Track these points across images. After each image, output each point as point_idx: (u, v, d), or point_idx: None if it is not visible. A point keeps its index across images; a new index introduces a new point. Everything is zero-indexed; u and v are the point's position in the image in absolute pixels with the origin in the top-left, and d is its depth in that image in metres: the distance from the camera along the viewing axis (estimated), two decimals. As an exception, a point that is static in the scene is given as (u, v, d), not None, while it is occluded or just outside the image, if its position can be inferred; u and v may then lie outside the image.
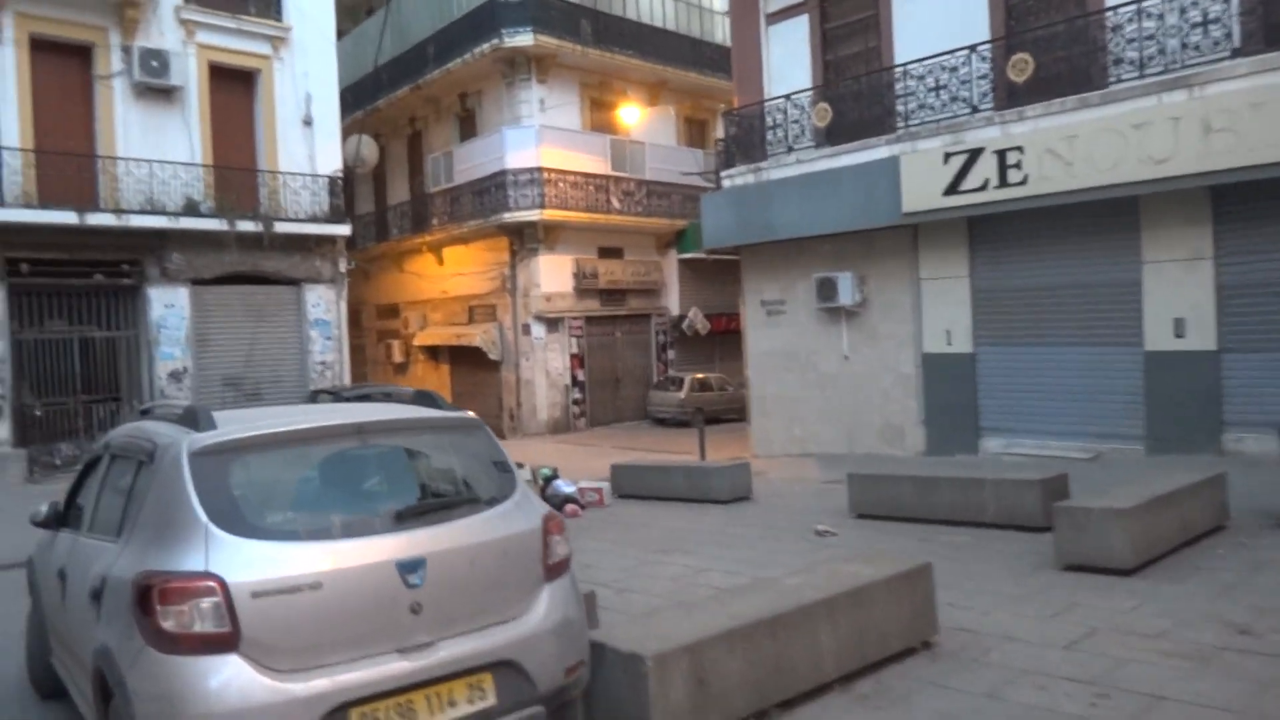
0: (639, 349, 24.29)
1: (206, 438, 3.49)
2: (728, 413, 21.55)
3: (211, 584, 3.07)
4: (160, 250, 16.65)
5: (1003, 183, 12.15)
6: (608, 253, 23.29)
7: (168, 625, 3.07)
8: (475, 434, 4.05)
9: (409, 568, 3.32)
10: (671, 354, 24.66)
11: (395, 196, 26.52)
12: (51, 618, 4.80)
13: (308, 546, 3.26)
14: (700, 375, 22.89)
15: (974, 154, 12.44)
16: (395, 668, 3.23)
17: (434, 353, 25.34)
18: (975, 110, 12.90)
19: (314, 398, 16.57)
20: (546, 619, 3.64)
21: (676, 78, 24.22)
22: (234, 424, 3.69)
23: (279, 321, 18.25)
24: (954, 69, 13.15)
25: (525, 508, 3.83)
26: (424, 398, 4.33)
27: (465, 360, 23.96)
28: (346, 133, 20.34)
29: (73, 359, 16.15)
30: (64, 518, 5.07)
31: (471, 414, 4.18)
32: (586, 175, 22.16)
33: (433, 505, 3.67)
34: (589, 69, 22.76)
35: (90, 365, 16.43)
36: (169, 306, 16.78)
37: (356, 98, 24.88)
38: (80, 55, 16.38)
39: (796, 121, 15.22)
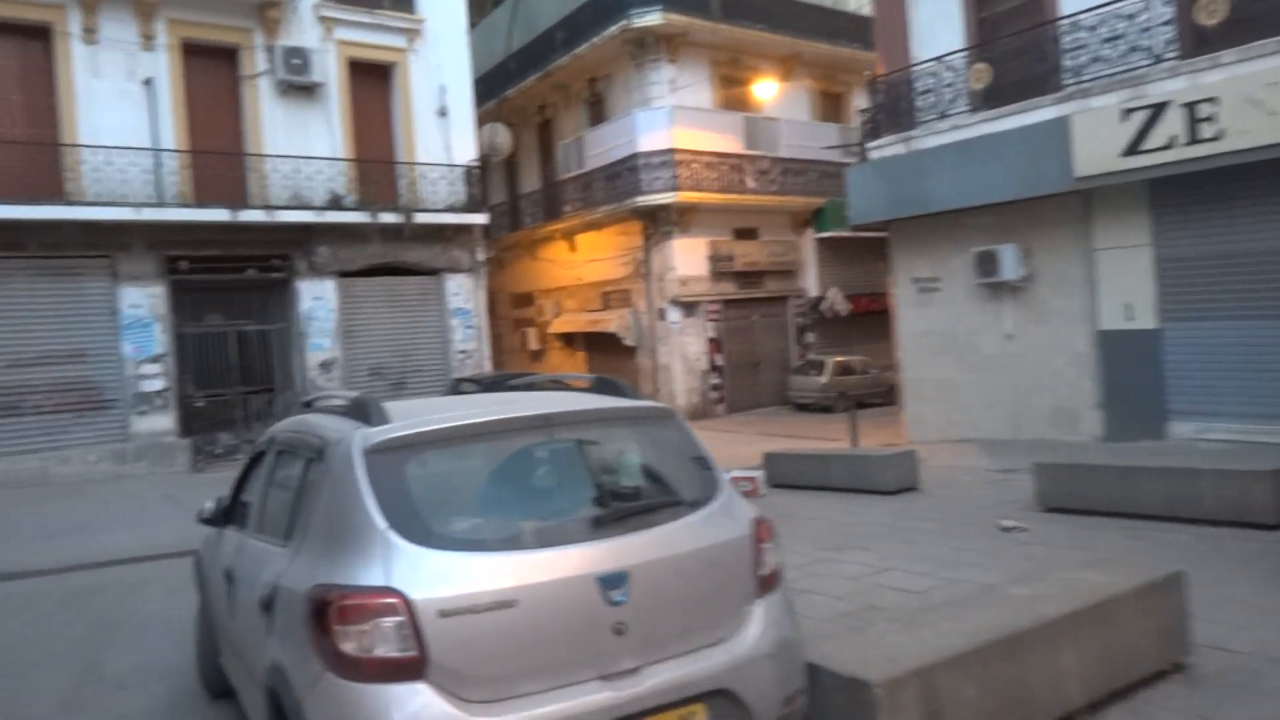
0: (777, 332, 23.56)
1: (380, 433, 3.14)
2: (872, 397, 20.63)
3: (394, 600, 2.73)
4: (307, 244, 17.00)
5: (1192, 139, 10.93)
6: (743, 234, 22.63)
7: (348, 648, 2.74)
8: (669, 425, 3.60)
9: (611, 582, 2.90)
10: (810, 337, 23.82)
11: (527, 185, 26.56)
12: (220, 619, 4.63)
13: (498, 558, 2.89)
14: (842, 358, 22.00)
15: (1158, 109, 11.24)
16: (600, 698, 2.83)
17: (569, 339, 25.28)
18: (1158, 60, 11.68)
19: (457, 386, 16.67)
20: (761, 640, 3.17)
21: (810, 50, 23.29)
22: (407, 417, 3.33)
23: (421, 311, 18.42)
24: (1131, 16, 11.95)
25: (732, 510, 3.36)
26: (606, 385, 3.89)
27: (600, 346, 23.77)
28: (479, 123, 20.35)
29: (229, 351, 16.69)
30: (229, 514, 4.90)
31: (663, 403, 3.72)
32: (720, 155, 21.54)
33: (634, 509, 3.22)
34: (719, 45, 22.12)
35: (246, 357, 16.95)
36: (317, 299, 17.14)
37: (487, 89, 24.96)
38: (227, 57, 16.86)
39: (950, 85, 14.23)
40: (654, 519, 3.17)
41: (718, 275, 22.08)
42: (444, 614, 2.71)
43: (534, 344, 26.29)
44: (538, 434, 3.29)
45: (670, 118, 21.04)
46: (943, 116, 14.22)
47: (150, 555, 9.66)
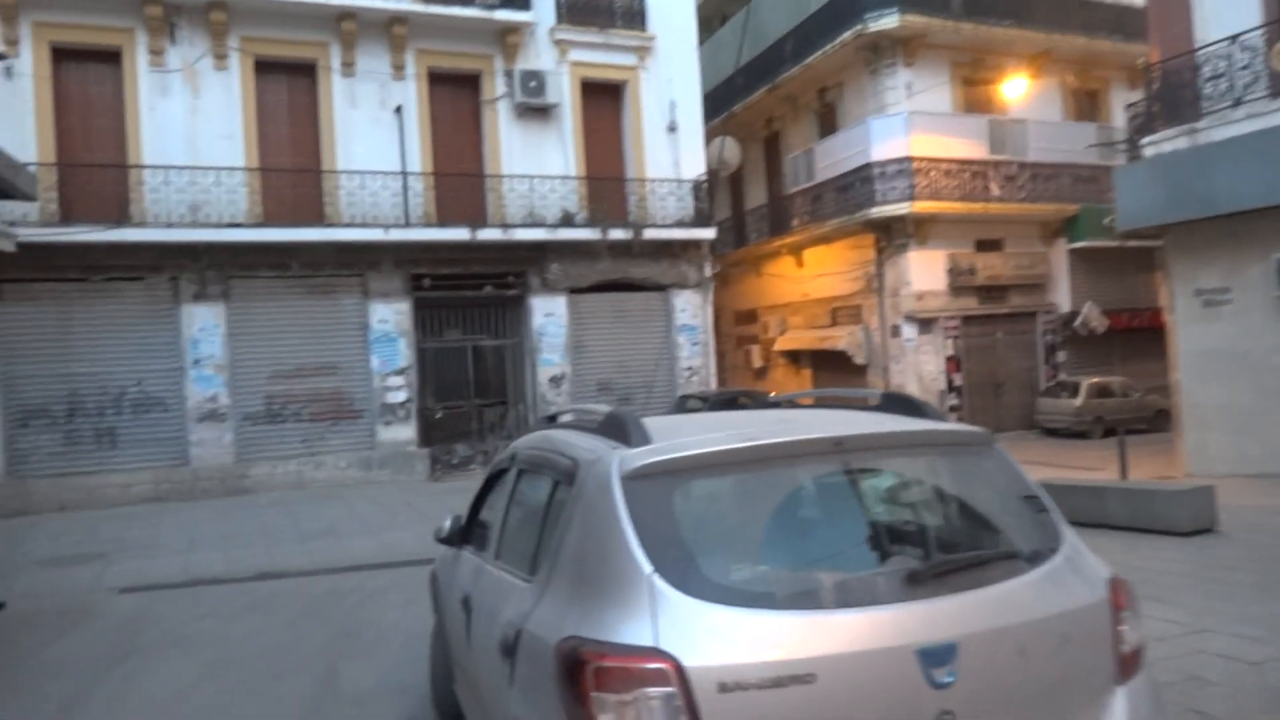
0: (1023, 350, 21.70)
1: (642, 455, 2.63)
2: (1134, 423, 18.46)
3: (663, 666, 2.21)
4: (540, 261, 17.32)
5: None
6: (986, 245, 21.03)
7: None
8: (989, 454, 2.88)
9: (936, 657, 2.26)
10: (1061, 356, 21.77)
11: (752, 200, 26.08)
12: (455, 648, 4.34)
13: (790, 619, 2.30)
14: (1098, 379, 19.93)
15: None
16: (920, 817, 2.18)
17: (794, 357, 24.49)
18: None
19: (683, 403, 16.35)
20: (1129, 747, 2.41)
21: (1061, 44, 21.37)
22: (670, 436, 2.81)
23: (647, 327, 18.33)
24: None
25: (1080, 566, 2.62)
26: (899, 402, 3.20)
27: (828, 365, 22.82)
28: (707, 139, 20.10)
29: (466, 365, 17.25)
30: (466, 534, 4.63)
31: (980, 428, 2.99)
32: (960, 162, 20.12)
33: (959, 563, 2.55)
34: (960, 46, 20.73)
35: (481, 371, 17.48)
36: (549, 315, 17.40)
37: (713, 107, 24.72)
38: (469, 83, 17.52)
39: (1245, 68, 12.40)
40: (985, 576, 2.48)
41: (957, 289, 20.61)
42: (724, 688, 2.17)
43: (757, 361, 25.68)
44: (829, 462, 2.68)
45: (907, 124, 19.90)
46: (1236, 104, 12.42)
47: (391, 563, 9.87)
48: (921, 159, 19.65)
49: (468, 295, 17.12)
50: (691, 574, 2.34)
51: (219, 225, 15.13)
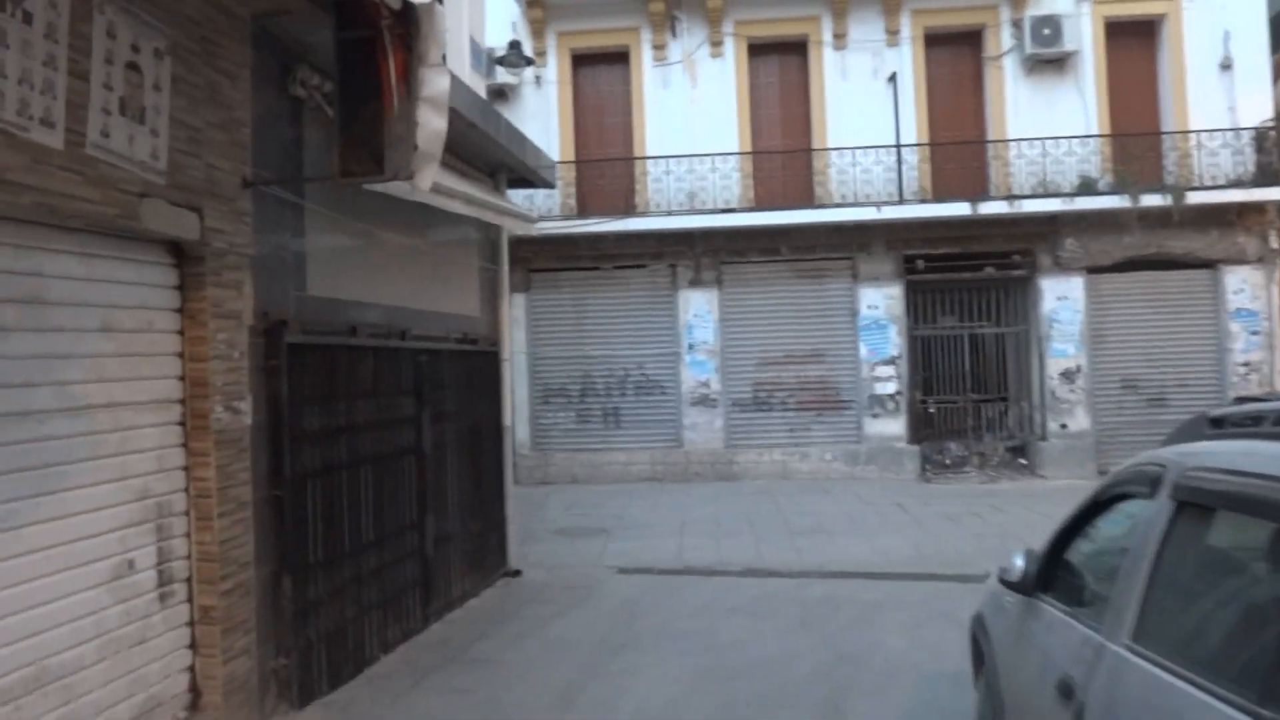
0: None
1: None
2: None
3: None
4: (1052, 237, 15.10)
5: None
6: None
7: None
8: None
9: None
10: None
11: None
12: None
13: None
14: None
15: None
16: None
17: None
18: None
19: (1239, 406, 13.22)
20: None
21: None
22: None
23: (1188, 313, 15.16)
24: None
25: None
26: None
27: None
28: (1275, 75, 16.14)
29: (962, 356, 15.62)
30: (1047, 578, 3.36)
31: None
32: None
33: None
34: None
35: (979, 362, 15.73)
36: (1061, 299, 15.11)
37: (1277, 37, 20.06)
38: (969, 41, 15.81)
39: None
40: None
41: None
42: None
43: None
44: None
45: None
46: None
47: (887, 573, 8.86)
48: None
49: (965, 278, 15.46)
50: None
51: (713, 211, 15.22)
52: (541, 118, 15.83)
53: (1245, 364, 14.96)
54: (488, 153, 8.21)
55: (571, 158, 15.88)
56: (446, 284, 8.00)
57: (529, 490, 14.63)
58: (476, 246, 8.69)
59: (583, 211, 15.68)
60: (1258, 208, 14.85)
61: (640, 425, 15.69)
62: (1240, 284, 14.99)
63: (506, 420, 8.88)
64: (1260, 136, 14.95)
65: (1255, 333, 14.99)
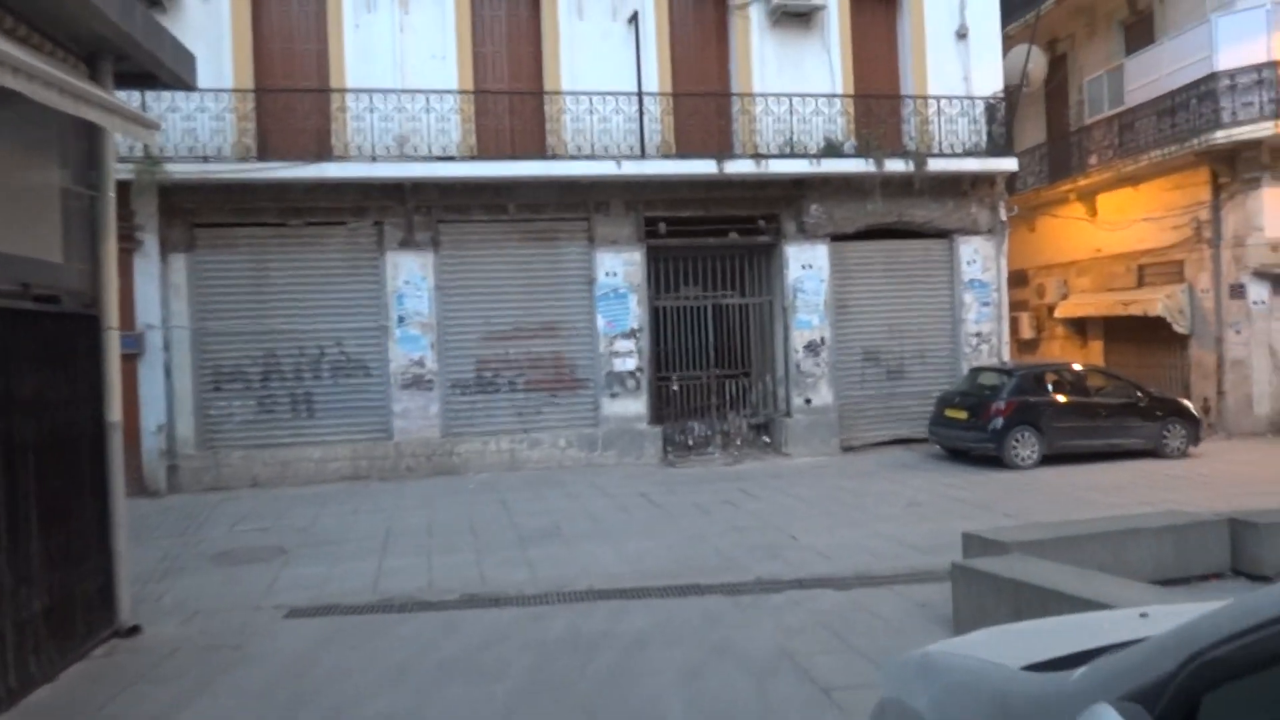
0: None
1: None
2: None
3: None
4: (798, 201, 14.15)
5: None
6: (1374, 179, 16.06)
7: None
8: None
9: None
10: None
11: (1024, 141, 21.78)
12: None
13: None
14: None
15: None
16: None
17: (1079, 326, 20.16)
18: None
19: (975, 378, 12.82)
20: None
21: None
22: None
23: (926, 283, 14.82)
24: None
25: None
26: None
27: (1126, 335, 18.45)
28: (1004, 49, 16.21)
29: (706, 328, 14.34)
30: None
31: None
32: (1351, 67, 15.30)
33: None
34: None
35: (722, 335, 14.52)
36: (806, 267, 14.22)
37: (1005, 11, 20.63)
38: (714, -13, 14.53)
39: None
40: None
41: (1335, 238, 15.84)
42: None
43: (1026, 332, 21.43)
44: None
45: (1269, 19, 15.28)
46: None
47: (641, 589, 7.14)
48: (1295, 64, 15.01)
49: (710, 244, 14.18)
50: None
51: (428, 159, 12.85)
52: (211, 36, 12.65)
53: (977, 334, 14.84)
54: (73, 16, 5.48)
55: (249, 85, 12.85)
56: (-9, 210, 5.20)
57: (191, 500, 11.69)
58: (56, 158, 5.87)
59: (264, 154, 12.74)
60: (989, 179, 14.74)
61: (339, 414, 13.05)
62: (973, 254, 14.84)
63: (113, 415, 6.14)
64: (991, 107, 14.83)
65: (986, 304, 14.91)
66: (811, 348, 14.24)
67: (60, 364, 5.65)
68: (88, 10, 5.42)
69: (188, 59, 6.84)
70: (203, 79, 12.17)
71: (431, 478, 12.80)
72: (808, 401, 14.15)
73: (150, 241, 12.31)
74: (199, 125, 12.25)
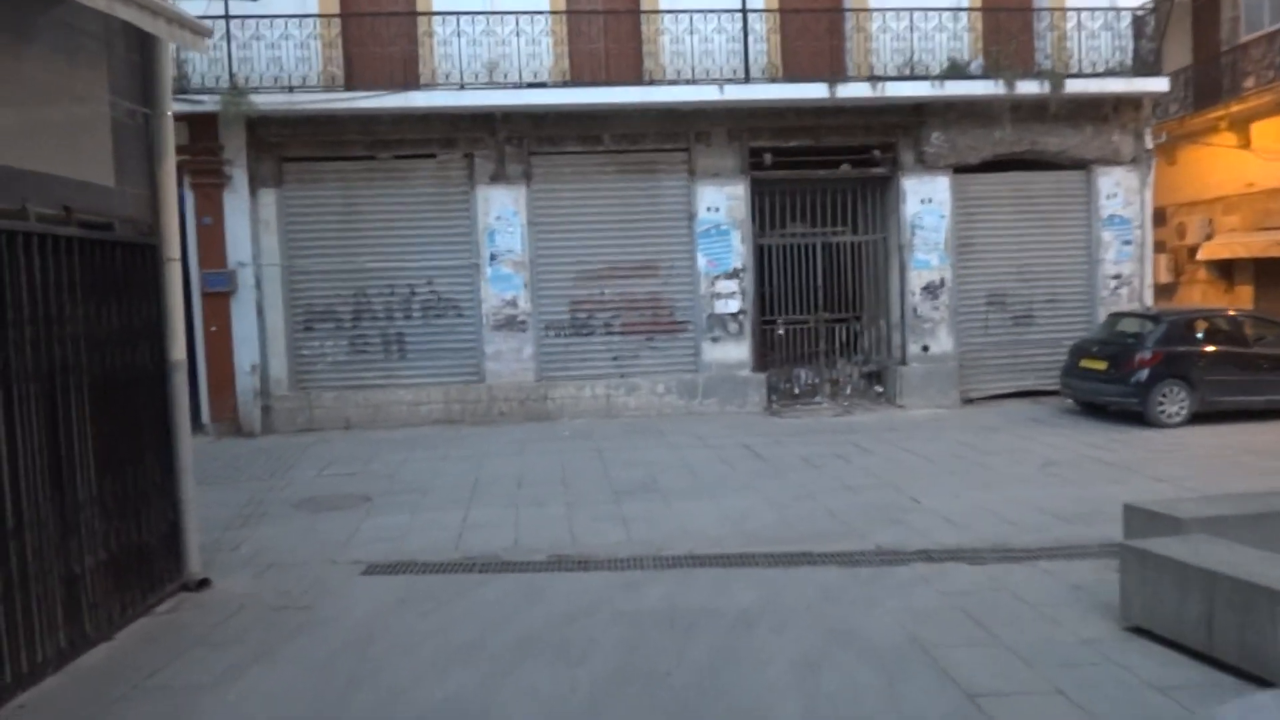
0: None
1: None
2: None
3: None
4: (917, 129, 12.93)
5: None
6: None
7: None
8: None
9: None
10: None
11: (1166, 64, 19.71)
12: None
13: None
14: None
15: None
16: None
17: (1225, 270, 18.35)
18: None
19: (1114, 323, 11.57)
20: None
21: None
22: None
23: (1059, 219, 13.46)
24: None
25: None
26: None
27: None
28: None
29: (814, 268, 13.35)
30: None
31: None
32: None
33: None
34: None
35: (832, 276, 13.50)
36: (925, 201, 13.04)
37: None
38: (827, -107, 13.21)
39: None
40: None
41: None
42: None
43: (1163, 275, 19.66)
44: None
45: None
46: None
47: (745, 555, 6.46)
48: None
49: (819, 175, 13.11)
50: None
51: (518, 86, 12.11)
52: (295, -40, 12.11)
53: (1116, 276, 13.45)
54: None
55: (335, 10, 12.29)
56: (33, 126, 4.70)
57: (284, 442, 11.47)
58: (104, 71, 5.33)
59: (350, 83, 12.22)
60: (1134, 102, 13.21)
61: (431, 355, 12.63)
62: (1114, 187, 13.39)
63: (176, 353, 5.69)
64: (1139, 20, 13.23)
65: (1127, 242, 13.48)
66: (930, 290, 13.11)
67: (114, 297, 5.18)
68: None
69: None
70: (287, 4, 11.84)
71: (524, 423, 12.31)
72: (925, 349, 13.09)
73: (239, 176, 11.99)
74: (284, 54, 11.77)
